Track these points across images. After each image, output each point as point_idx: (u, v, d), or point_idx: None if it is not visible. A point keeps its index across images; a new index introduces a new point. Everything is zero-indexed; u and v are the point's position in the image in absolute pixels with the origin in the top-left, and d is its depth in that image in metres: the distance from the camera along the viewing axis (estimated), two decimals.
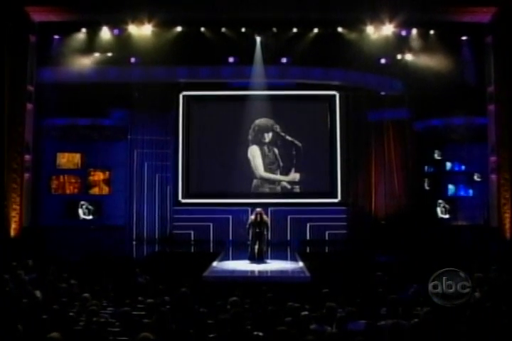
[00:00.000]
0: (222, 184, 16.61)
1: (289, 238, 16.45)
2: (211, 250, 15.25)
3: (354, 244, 15.42)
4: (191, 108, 17.22)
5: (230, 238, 16.35)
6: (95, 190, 16.56)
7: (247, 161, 16.88)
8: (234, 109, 16.86)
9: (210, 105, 17.18)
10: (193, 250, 15.54)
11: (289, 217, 16.62)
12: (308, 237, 16.47)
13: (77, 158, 16.46)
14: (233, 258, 12.68)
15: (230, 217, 16.63)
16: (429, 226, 15.17)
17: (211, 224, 16.56)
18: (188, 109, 17.21)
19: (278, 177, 17.00)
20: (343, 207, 16.64)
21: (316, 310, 6.16)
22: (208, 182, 16.85)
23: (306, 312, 5.74)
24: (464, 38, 14.91)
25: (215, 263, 11.53)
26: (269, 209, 15.99)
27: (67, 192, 16.37)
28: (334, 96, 17.10)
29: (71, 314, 6.00)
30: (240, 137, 16.69)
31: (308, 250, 15.21)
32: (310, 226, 16.53)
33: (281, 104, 16.80)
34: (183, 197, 17.12)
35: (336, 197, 16.93)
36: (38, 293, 7.05)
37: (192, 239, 16.46)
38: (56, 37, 14.92)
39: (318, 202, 16.74)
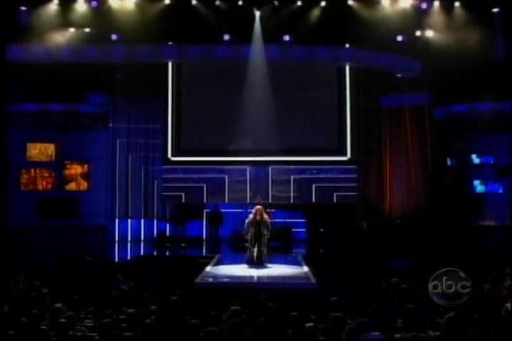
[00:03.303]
0: (218, 140, 16.60)
1: (292, 200, 16.57)
2: (204, 252, 15.31)
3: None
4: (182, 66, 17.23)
5: (226, 201, 16.54)
6: (72, 186, 16.52)
7: (246, 115, 16.43)
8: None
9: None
10: (183, 251, 15.62)
11: (292, 177, 16.74)
12: (313, 200, 16.63)
13: (50, 149, 16.41)
14: (229, 262, 12.70)
15: (226, 177, 16.73)
16: (451, 226, 15.15)
17: (204, 185, 16.67)
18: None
19: None
20: (354, 166, 16.76)
21: (323, 320, 6.14)
22: (201, 138, 16.82)
23: (312, 324, 5.74)
24: (494, 10, 14.72)
25: (208, 268, 11.51)
26: (270, 167, 16.18)
27: (39, 188, 16.33)
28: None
29: (42, 327, 5.96)
30: (238, 91, 16.29)
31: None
32: (316, 187, 16.63)
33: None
34: (173, 155, 17.16)
35: (345, 155, 17.02)
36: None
37: (183, 201, 16.56)
38: (23, 8, 14.75)
39: (325, 160, 16.87)
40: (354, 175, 16.69)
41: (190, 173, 16.68)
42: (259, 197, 15.85)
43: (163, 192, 16.67)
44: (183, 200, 16.69)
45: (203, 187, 16.66)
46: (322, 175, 16.65)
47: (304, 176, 16.72)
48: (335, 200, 16.54)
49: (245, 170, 16.64)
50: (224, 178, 16.71)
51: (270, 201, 16.03)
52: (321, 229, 16.46)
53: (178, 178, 16.67)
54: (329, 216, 16.30)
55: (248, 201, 16.53)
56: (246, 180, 16.76)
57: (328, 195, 16.51)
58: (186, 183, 16.56)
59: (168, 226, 17.08)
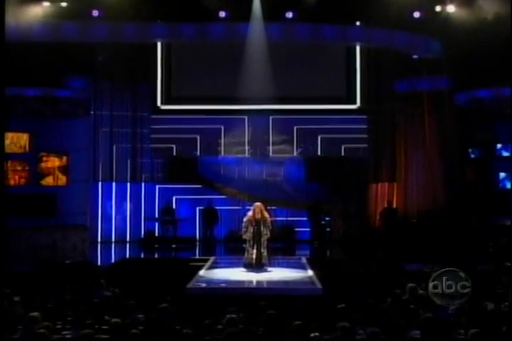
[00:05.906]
0: (212, 86, 16.67)
1: (295, 154, 16.93)
2: (197, 254, 15.42)
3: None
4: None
5: (222, 154, 16.86)
6: (48, 181, 16.52)
7: (244, 59, 16.21)
8: None
9: None
10: (174, 254, 15.70)
11: (295, 128, 16.99)
12: (319, 153, 17.03)
13: (24, 139, 16.39)
14: (225, 265, 12.76)
15: (222, 127, 16.94)
16: (473, 226, 15.17)
17: (198, 137, 16.97)
18: None
19: None
20: (363, 116, 17.00)
21: (330, 330, 6.15)
22: (194, 84, 16.89)
23: (317, 334, 5.73)
24: None
25: (202, 272, 11.57)
26: (270, 117, 16.44)
27: (12, 183, 16.29)
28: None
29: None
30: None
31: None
32: (321, 139, 16.94)
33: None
34: (162, 103, 17.32)
35: (354, 103, 17.20)
36: None
37: (174, 154, 16.88)
38: None
39: (332, 109, 17.09)
40: (364, 126, 17.01)
41: (181, 124, 16.88)
42: None
43: (152, 144, 16.88)
44: (174, 153, 16.94)
45: (196, 138, 16.89)
46: (328, 126, 16.91)
47: (308, 126, 16.91)
48: (342, 153, 16.97)
49: (243, 119, 16.78)
50: (219, 129, 16.90)
51: (270, 154, 16.28)
52: (328, 229, 16.52)
53: (168, 129, 16.89)
54: (336, 173, 16.69)
55: (246, 155, 16.83)
56: (244, 131, 17.01)
57: (336, 148, 16.91)
58: (178, 134, 16.83)
59: (156, 225, 17.14)
